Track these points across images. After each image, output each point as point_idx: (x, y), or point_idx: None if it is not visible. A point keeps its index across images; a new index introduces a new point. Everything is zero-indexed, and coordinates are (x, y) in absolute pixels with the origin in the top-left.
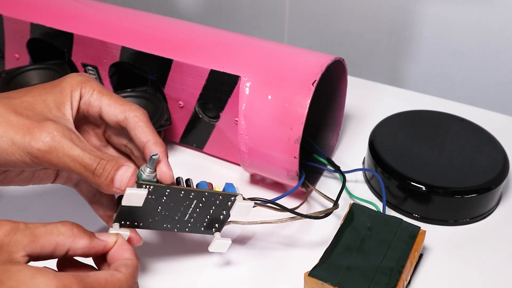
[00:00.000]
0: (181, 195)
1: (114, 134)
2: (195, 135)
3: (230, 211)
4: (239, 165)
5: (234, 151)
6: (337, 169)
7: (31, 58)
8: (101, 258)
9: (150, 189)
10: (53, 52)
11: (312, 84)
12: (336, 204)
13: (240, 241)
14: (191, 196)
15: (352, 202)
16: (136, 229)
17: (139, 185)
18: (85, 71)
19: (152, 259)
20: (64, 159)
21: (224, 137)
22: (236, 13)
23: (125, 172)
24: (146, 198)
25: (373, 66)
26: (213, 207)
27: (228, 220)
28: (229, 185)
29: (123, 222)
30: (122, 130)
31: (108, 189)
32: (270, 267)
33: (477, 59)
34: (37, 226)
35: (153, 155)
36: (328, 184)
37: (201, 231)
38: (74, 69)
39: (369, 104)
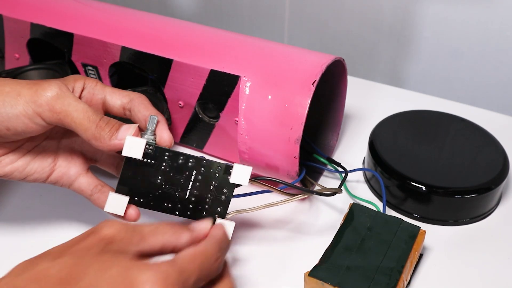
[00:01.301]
0: (181, 161)
1: None
2: (195, 135)
3: (230, 176)
4: None
5: (234, 151)
6: (338, 165)
7: (31, 58)
8: None
9: (150, 150)
10: (53, 52)
11: (312, 84)
12: (340, 188)
13: (239, 239)
14: (190, 164)
15: (352, 202)
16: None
17: None
18: (85, 71)
19: None
20: (69, 107)
21: (224, 137)
22: (236, 13)
23: (129, 127)
24: (147, 163)
25: (373, 66)
26: (213, 182)
27: (228, 204)
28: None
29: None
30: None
31: (110, 141)
32: (270, 266)
33: (477, 59)
34: (143, 227)
35: (152, 116)
36: (328, 184)
37: (204, 217)
38: (74, 69)
39: (369, 104)
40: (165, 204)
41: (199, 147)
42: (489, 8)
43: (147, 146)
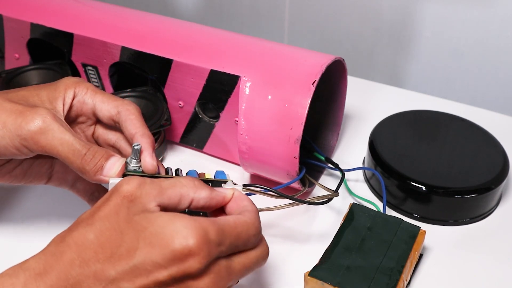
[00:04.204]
0: None
1: (103, 133)
2: (195, 135)
3: None
4: (239, 165)
5: (234, 151)
6: (335, 166)
7: (31, 58)
8: (219, 212)
9: None
10: (53, 52)
11: (312, 84)
12: (336, 191)
13: None
14: None
15: (352, 202)
16: None
17: (125, 176)
18: (85, 71)
19: None
20: (54, 141)
21: (224, 137)
22: (236, 13)
23: (116, 161)
24: None
25: (373, 66)
26: None
27: None
28: (219, 172)
29: None
30: (112, 128)
31: (95, 176)
32: (270, 266)
33: (477, 59)
34: (161, 180)
35: (134, 146)
36: (328, 183)
37: None
38: (74, 69)
39: (369, 104)
40: None
41: (199, 147)
42: (489, 8)
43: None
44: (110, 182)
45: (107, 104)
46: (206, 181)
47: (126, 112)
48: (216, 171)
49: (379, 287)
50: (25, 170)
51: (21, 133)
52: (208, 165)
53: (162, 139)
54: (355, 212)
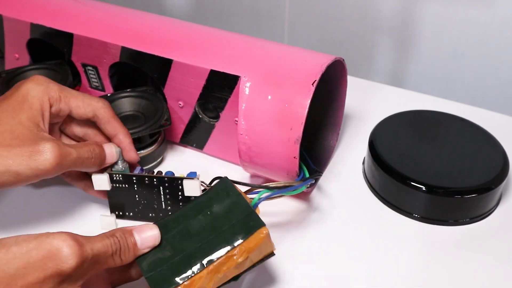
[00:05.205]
0: (146, 181)
1: (70, 127)
2: (195, 135)
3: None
4: (239, 165)
5: (234, 151)
6: (314, 172)
7: (31, 58)
8: None
9: (120, 178)
10: (53, 52)
11: (312, 84)
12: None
13: None
14: (155, 182)
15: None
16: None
17: (111, 175)
18: (85, 71)
19: None
20: (69, 163)
21: (224, 137)
22: (236, 13)
23: (111, 148)
24: (122, 187)
25: (373, 66)
26: (179, 193)
27: None
28: (191, 173)
29: (116, 213)
30: (79, 123)
31: (102, 166)
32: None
33: (477, 59)
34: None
35: (116, 149)
36: (327, 187)
37: None
38: (74, 69)
39: (369, 104)
40: (150, 214)
41: (199, 147)
42: (489, 8)
43: (116, 175)
44: (93, 178)
45: (82, 108)
46: (173, 179)
47: (104, 114)
48: (190, 172)
49: (171, 273)
50: None
51: (38, 173)
52: (208, 165)
53: (162, 139)
54: (220, 187)
